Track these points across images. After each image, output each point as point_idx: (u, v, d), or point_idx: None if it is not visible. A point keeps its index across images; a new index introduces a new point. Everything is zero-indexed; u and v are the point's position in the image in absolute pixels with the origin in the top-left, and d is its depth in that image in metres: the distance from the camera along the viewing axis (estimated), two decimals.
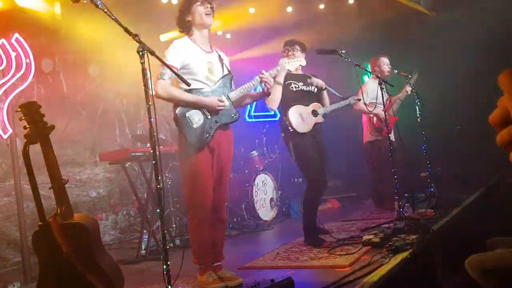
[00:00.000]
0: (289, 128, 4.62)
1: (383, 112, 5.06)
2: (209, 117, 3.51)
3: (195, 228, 3.51)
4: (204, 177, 3.49)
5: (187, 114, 3.45)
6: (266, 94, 3.82)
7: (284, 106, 4.71)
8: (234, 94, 3.63)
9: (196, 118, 3.47)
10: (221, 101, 3.51)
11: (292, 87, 4.78)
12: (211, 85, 3.58)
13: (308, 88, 4.84)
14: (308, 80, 4.85)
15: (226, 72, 3.72)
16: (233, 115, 3.66)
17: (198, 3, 3.60)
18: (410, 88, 6.09)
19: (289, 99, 4.72)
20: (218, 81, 3.62)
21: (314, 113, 4.77)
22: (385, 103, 5.04)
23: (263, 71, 3.72)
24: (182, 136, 3.49)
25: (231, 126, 3.76)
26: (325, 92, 4.95)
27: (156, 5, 6.93)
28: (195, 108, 3.48)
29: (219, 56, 3.77)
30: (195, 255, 3.54)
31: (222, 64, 3.75)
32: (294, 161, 4.75)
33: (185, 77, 3.30)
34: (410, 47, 7.68)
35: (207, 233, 3.53)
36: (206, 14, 3.60)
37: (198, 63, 3.55)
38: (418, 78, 6.17)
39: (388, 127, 5.21)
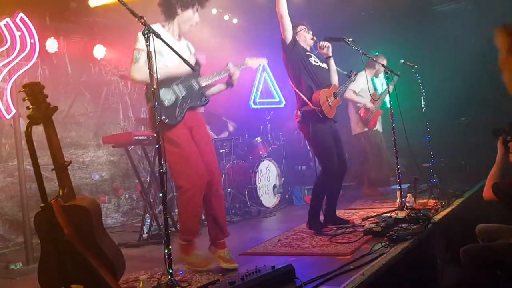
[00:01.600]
0: (319, 114, 4.49)
1: (371, 104, 5.08)
2: (180, 98, 3.59)
3: (188, 201, 3.48)
4: (186, 148, 3.51)
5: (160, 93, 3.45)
6: (230, 84, 3.90)
7: (299, 80, 4.60)
8: (204, 80, 3.76)
9: (168, 97, 3.54)
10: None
11: (311, 60, 4.70)
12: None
13: (324, 65, 4.82)
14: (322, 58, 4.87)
15: (194, 62, 3.77)
16: (203, 98, 3.79)
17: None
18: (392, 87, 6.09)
19: (309, 73, 4.62)
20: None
21: (335, 95, 4.73)
22: (372, 95, 5.07)
23: (230, 63, 3.82)
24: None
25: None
26: (331, 62, 4.90)
27: None
28: (167, 88, 3.54)
29: (187, 45, 3.90)
30: (186, 231, 3.53)
31: (189, 53, 3.86)
32: (310, 146, 4.69)
33: (158, 64, 3.30)
34: (417, 37, 7.61)
35: (200, 208, 3.54)
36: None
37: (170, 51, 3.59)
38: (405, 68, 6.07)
39: (369, 121, 5.23)
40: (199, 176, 3.49)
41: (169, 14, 3.71)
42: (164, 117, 3.46)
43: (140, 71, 3.45)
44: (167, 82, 3.56)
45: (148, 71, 3.15)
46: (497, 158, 3.18)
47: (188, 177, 3.47)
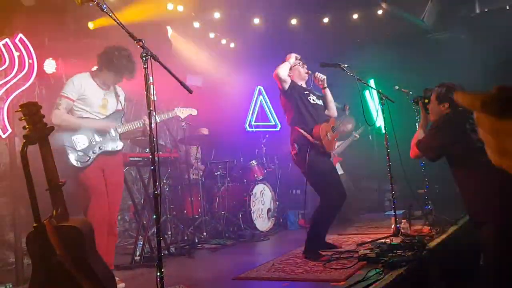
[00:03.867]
0: (320, 148, 4.51)
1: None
2: (94, 143, 4.00)
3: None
4: (94, 190, 3.93)
5: (73, 137, 3.87)
6: (145, 134, 4.39)
7: (302, 119, 4.63)
8: (121, 129, 4.22)
9: (81, 141, 3.89)
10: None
11: (310, 98, 4.73)
12: (102, 117, 4.13)
13: (320, 102, 4.84)
14: (316, 93, 4.87)
15: (119, 107, 4.33)
16: (117, 145, 4.18)
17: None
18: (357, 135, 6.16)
19: (308, 112, 4.66)
20: (110, 115, 4.18)
21: (333, 129, 4.76)
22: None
23: (145, 118, 4.12)
24: (65, 156, 3.87)
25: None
26: (327, 92, 4.93)
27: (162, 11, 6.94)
28: (83, 133, 3.95)
29: (116, 92, 4.31)
30: None
31: (118, 100, 4.34)
32: (308, 179, 4.66)
33: (80, 107, 3.92)
34: (411, 64, 7.69)
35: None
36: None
37: (94, 98, 4.08)
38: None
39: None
40: (102, 215, 3.94)
41: (105, 65, 4.14)
42: (76, 160, 3.84)
43: (58, 118, 3.83)
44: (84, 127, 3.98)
45: (68, 116, 3.87)
46: (421, 120, 3.66)
47: (93, 216, 3.83)
